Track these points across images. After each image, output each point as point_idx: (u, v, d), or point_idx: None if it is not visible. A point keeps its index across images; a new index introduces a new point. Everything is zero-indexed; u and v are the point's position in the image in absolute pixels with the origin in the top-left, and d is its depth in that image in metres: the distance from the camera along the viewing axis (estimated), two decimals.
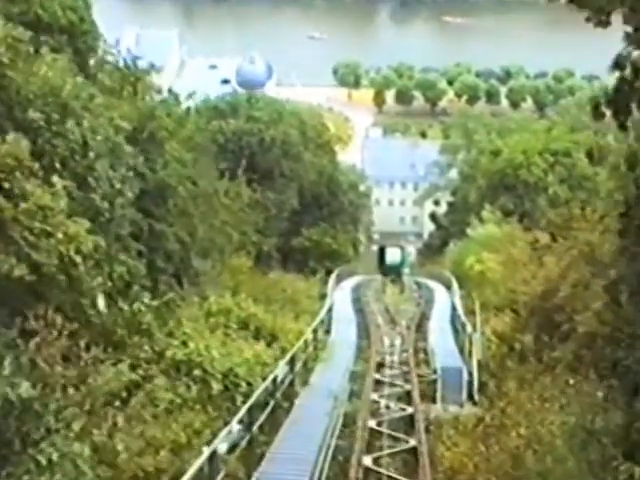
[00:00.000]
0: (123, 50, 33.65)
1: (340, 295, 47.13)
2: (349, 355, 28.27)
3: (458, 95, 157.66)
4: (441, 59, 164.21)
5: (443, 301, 45.71)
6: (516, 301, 30.28)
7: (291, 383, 21.25)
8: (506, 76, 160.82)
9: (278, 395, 19.27)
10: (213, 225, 36.05)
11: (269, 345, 26.31)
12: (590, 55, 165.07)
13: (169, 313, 22.81)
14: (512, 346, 27.15)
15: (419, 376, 26.16)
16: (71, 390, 15.46)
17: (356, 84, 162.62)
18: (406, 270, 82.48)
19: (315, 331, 27.06)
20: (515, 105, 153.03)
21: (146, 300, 22.23)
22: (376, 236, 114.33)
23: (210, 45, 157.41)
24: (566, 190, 67.68)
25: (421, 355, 29.89)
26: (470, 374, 25.50)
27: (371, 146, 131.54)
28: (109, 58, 31.76)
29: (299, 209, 65.02)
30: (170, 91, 34.79)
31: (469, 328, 28.11)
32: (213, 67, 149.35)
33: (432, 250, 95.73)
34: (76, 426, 14.26)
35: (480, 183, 73.02)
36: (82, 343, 16.44)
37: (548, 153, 69.72)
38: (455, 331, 33.18)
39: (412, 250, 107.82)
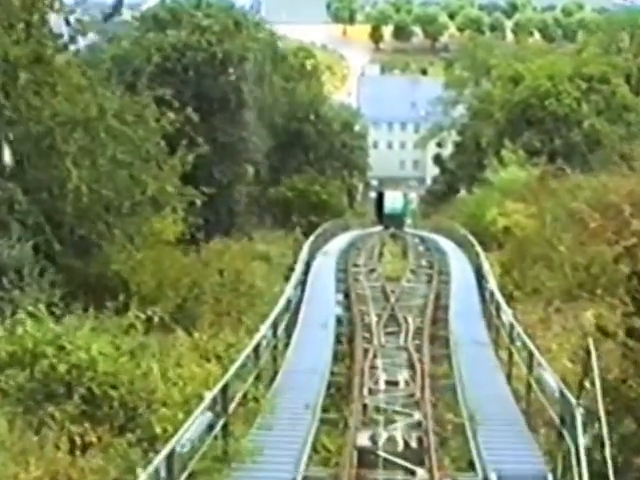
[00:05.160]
0: None
1: (320, 267, 32.18)
2: (302, 435, 13.29)
3: (460, 30, 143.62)
4: None
5: (464, 274, 31.04)
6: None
7: None
8: (512, 9, 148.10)
9: None
10: (99, 167, 21.08)
11: (120, 433, 11.51)
12: None
13: None
14: None
15: None
16: None
17: (351, 20, 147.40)
18: (408, 221, 68.72)
19: (225, 390, 12.01)
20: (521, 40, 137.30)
21: None
22: (374, 182, 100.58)
23: None
24: (604, 123, 52.66)
25: (448, 417, 14.94)
26: None
27: (368, 84, 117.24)
28: None
29: (277, 151, 50.00)
30: None
31: (550, 378, 13.03)
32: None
33: (437, 197, 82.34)
34: None
35: (497, 117, 57.68)
36: None
37: (580, 78, 54.43)
38: (505, 351, 18.22)
39: (414, 196, 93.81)
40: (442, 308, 25.58)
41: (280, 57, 46.74)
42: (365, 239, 48.55)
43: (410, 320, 23.08)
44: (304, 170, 58.00)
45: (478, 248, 32.73)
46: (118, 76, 35.72)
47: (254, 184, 56.87)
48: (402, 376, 17.15)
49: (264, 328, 15.96)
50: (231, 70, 36.47)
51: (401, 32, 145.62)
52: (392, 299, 26.25)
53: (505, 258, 31.22)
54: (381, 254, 41.61)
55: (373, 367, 17.83)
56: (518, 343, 16.51)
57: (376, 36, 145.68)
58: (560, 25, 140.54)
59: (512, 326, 17.06)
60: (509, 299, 22.96)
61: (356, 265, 34.99)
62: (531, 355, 14.45)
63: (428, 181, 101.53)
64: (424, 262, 37.17)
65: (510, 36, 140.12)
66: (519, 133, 53.71)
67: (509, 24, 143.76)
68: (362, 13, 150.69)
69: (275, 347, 16.90)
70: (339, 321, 23.29)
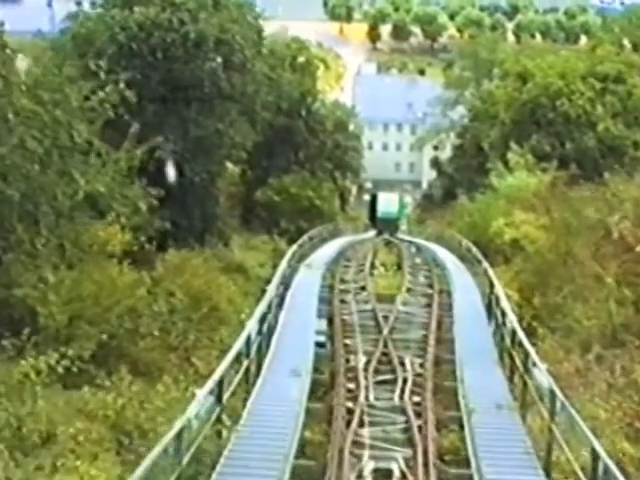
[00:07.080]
0: None
1: (301, 284, 27.27)
2: None
3: (460, 30, 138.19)
4: None
5: (469, 296, 26.33)
6: None
7: None
8: (513, 10, 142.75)
9: None
10: (3, 160, 16.07)
11: None
12: None
13: None
14: None
15: None
16: None
17: (348, 18, 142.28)
18: (403, 227, 64.37)
19: None
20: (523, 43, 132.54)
21: None
22: (368, 184, 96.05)
23: None
24: (621, 127, 47.76)
25: None
26: None
27: (364, 83, 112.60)
28: None
29: (263, 148, 44.98)
30: None
31: None
32: None
33: (433, 202, 77.90)
34: None
35: (502, 118, 52.64)
36: None
37: (594, 78, 49.47)
38: (532, 412, 13.29)
39: (409, 200, 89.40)
40: (446, 343, 20.64)
41: (270, 47, 41.74)
42: (356, 247, 43.78)
43: (407, 362, 18.09)
44: (293, 170, 53.25)
45: (486, 264, 27.91)
46: (79, 58, 30.70)
47: (239, 184, 51.92)
48: (397, 461, 12.10)
49: (201, 396, 10.88)
50: (210, 55, 31.41)
51: (399, 31, 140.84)
52: (385, 330, 21.23)
53: (516, 277, 26.46)
54: (373, 266, 36.60)
55: (357, 443, 12.81)
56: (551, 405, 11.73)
57: (373, 35, 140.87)
58: (562, 28, 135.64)
59: (554, 394, 12.04)
60: (528, 334, 18.04)
61: (344, 281, 30.01)
62: (596, 457, 9.42)
63: (424, 185, 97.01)
64: (422, 278, 32.20)
65: (511, 38, 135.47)
66: (527, 135, 48.68)
67: (510, 26, 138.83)
68: (360, 11, 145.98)
69: (219, 420, 11.81)
70: (318, 356, 18.36)
